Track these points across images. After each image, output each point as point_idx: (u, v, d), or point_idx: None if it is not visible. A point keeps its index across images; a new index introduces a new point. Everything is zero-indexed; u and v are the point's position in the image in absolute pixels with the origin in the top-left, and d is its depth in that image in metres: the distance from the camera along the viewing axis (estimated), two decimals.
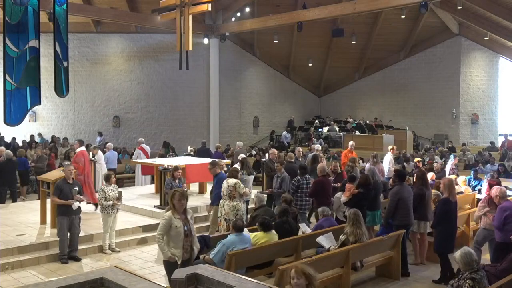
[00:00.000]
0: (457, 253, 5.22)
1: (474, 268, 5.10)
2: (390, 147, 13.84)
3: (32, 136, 20.30)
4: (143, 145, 15.53)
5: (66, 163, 9.65)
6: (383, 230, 8.13)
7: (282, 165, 10.26)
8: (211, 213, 9.22)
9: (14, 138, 18.80)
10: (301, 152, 12.91)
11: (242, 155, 11.93)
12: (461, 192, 10.42)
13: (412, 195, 8.02)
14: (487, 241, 7.71)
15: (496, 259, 6.86)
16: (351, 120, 24.16)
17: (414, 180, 8.84)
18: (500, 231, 6.94)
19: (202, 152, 15.89)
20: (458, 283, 5.18)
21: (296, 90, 27.17)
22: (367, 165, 11.15)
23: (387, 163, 12.69)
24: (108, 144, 16.16)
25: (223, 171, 9.69)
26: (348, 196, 8.58)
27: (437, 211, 7.53)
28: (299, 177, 9.63)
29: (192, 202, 11.16)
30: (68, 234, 8.19)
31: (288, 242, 7.10)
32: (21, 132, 20.31)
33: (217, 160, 10.62)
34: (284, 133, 22.07)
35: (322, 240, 7.05)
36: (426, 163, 14.19)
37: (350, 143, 13.92)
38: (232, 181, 8.55)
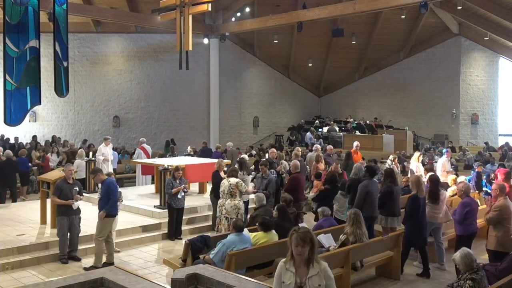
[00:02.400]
0: (457, 255, 5.22)
1: (474, 269, 5.10)
2: (444, 150, 13.49)
3: (34, 137, 20.31)
4: (144, 145, 15.52)
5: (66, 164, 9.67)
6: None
7: (266, 167, 10.00)
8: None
9: (16, 138, 18.80)
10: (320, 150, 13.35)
11: (245, 156, 12.02)
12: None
13: (378, 190, 8.54)
14: (430, 230, 7.95)
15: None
16: (351, 120, 24.15)
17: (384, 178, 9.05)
18: (461, 225, 7.29)
19: (204, 152, 15.95)
20: (458, 283, 5.18)
21: (296, 90, 27.17)
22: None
23: (440, 166, 12.19)
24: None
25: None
26: (316, 192, 9.16)
27: (406, 207, 7.79)
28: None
29: (192, 202, 11.21)
30: (68, 234, 8.19)
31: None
32: (21, 132, 20.32)
33: (218, 159, 10.66)
34: (308, 133, 21.75)
35: (322, 238, 7.05)
36: (426, 163, 14.16)
37: (355, 143, 13.81)
38: (233, 180, 8.60)
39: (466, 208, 7.26)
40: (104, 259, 7.97)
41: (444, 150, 14.09)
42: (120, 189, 9.15)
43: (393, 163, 12.70)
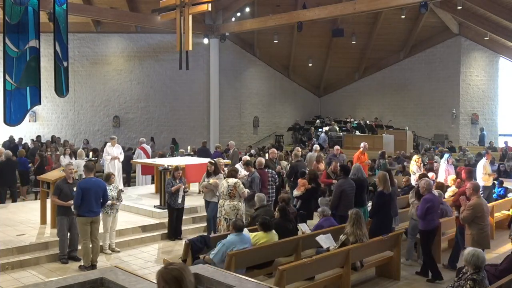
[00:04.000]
0: (466, 251, 5.22)
1: (477, 270, 5.10)
2: (484, 151, 13.06)
3: (38, 137, 20.30)
4: (144, 145, 15.52)
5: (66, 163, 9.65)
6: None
7: (249, 166, 9.94)
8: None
9: (21, 139, 18.79)
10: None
11: (246, 157, 12.06)
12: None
13: (354, 189, 8.78)
14: (417, 230, 8.02)
15: (423, 246, 7.70)
16: (351, 120, 24.14)
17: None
18: (423, 220, 7.55)
19: (201, 152, 15.99)
20: (459, 283, 5.18)
21: (296, 90, 27.17)
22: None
23: (481, 168, 11.62)
24: (107, 144, 16.12)
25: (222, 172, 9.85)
26: (303, 190, 9.42)
27: (373, 202, 8.11)
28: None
29: (192, 202, 11.21)
30: (68, 234, 8.18)
31: (288, 242, 7.10)
32: (21, 132, 20.33)
33: (216, 159, 10.64)
34: (323, 135, 21.56)
35: (321, 239, 7.05)
36: (426, 163, 14.17)
37: (362, 144, 13.46)
38: (232, 180, 8.59)
39: (427, 204, 7.49)
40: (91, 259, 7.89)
41: (484, 152, 13.72)
42: (119, 189, 9.17)
43: (416, 164, 12.30)
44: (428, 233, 7.57)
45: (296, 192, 9.59)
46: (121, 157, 13.20)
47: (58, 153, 15.04)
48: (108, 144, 13.43)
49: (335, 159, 12.53)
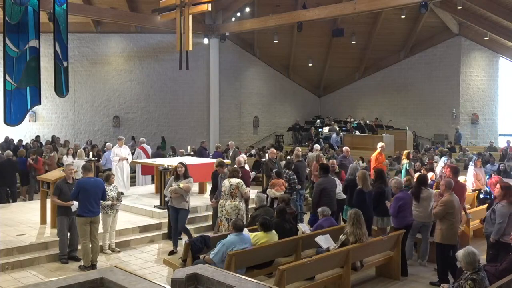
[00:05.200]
0: (460, 252, 5.21)
1: (476, 269, 5.09)
2: (474, 157, 12.47)
3: (38, 137, 20.30)
4: (144, 145, 15.52)
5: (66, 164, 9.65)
6: (313, 216, 9.08)
7: (223, 167, 9.51)
8: None
9: (20, 140, 18.77)
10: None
11: (240, 158, 12.01)
12: None
13: (335, 186, 9.14)
14: (417, 230, 8.22)
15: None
16: (351, 120, 24.14)
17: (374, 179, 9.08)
18: (395, 218, 7.84)
19: (198, 152, 16.03)
20: (459, 283, 5.18)
21: (296, 90, 27.17)
22: (353, 164, 11.34)
23: (471, 177, 11.42)
24: (107, 144, 16.13)
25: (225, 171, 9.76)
26: (284, 189, 9.54)
27: (353, 200, 8.45)
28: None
29: (192, 202, 11.16)
30: (68, 234, 8.18)
31: (288, 242, 7.10)
32: (21, 132, 20.33)
33: (217, 159, 10.65)
34: (334, 135, 21.49)
35: (320, 240, 7.05)
36: (426, 163, 14.17)
37: (380, 144, 12.85)
38: (234, 180, 8.58)
39: (399, 202, 7.79)
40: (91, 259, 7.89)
41: (444, 158, 13.44)
42: (119, 190, 9.17)
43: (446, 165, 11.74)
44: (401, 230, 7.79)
45: (275, 193, 9.34)
46: (130, 158, 12.94)
47: (52, 154, 14.90)
48: (116, 145, 13.14)
49: (345, 161, 12.29)
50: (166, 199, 9.23)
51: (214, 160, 11.30)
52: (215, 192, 9.54)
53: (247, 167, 11.19)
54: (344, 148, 13.39)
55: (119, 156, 12.72)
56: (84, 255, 7.81)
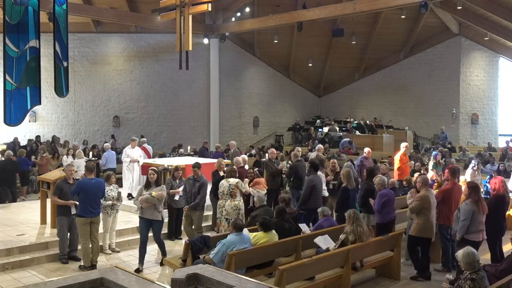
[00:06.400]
0: (460, 252, 5.21)
1: (475, 269, 5.09)
2: (475, 162, 12.21)
3: (38, 137, 20.31)
4: (145, 145, 15.46)
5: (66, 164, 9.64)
6: (299, 216, 9.18)
7: (199, 169, 9.17)
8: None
9: (30, 140, 18.81)
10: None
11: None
12: None
13: (322, 183, 9.47)
14: None
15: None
16: (351, 120, 24.13)
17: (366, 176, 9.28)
18: (379, 214, 8.12)
19: (200, 152, 16.04)
20: (459, 283, 5.18)
21: (296, 90, 27.16)
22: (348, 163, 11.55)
23: (469, 177, 11.25)
24: (105, 144, 16.08)
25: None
26: (265, 188, 9.75)
27: (338, 198, 8.90)
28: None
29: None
30: (68, 234, 8.19)
31: (288, 242, 7.10)
32: (21, 132, 20.31)
33: (217, 159, 10.65)
34: (346, 139, 21.26)
35: (319, 240, 7.05)
36: (426, 163, 14.17)
37: (404, 144, 12.53)
38: (233, 180, 8.59)
39: (383, 199, 8.07)
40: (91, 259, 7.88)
41: (434, 153, 13.35)
42: (119, 190, 9.16)
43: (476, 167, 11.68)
44: (384, 226, 8.09)
45: (260, 192, 9.23)
46: (141, 161, 12.56)
47: (45, 155, 14.87)
48: (128, 146, 12.74)
49: (366, 162, 12.12)
50: (136, 209, 8.69)
51: (214, 160, 11.30)
52: (216, 192, 9.52)
53: (246, 167, 11.18)
54: (366, 149, 12.94)
55: (131, 158, 12.37)
56: (84, 255, 7.81)
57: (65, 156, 14.60)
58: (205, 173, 11.39)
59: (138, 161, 12.39)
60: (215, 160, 11.24)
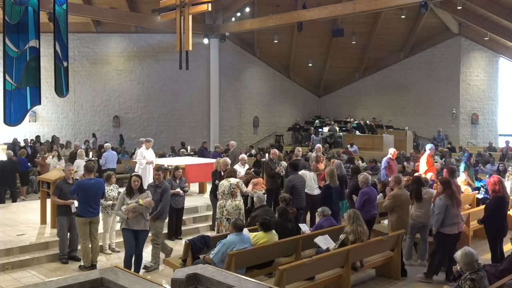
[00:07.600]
0: (458, 253, 5.21)
1: (475, 269, 5.09)
2: (462, 162, 12.31)
3: (38, 137, 20.30)
4: None
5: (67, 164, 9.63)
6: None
7: (164, 172, 8.87)
8: None
9: (26, 140, 18.80)
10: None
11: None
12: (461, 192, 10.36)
13: (304, 183, 9.51)
14: (416, 230, 8.29)
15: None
16: (351, 120, 24.13)
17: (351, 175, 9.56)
18: (361, 211, 7.92)
19: (199, 152, 16.04)
20: (459, 283, 5.18)
21: (296, 90, 27.17)
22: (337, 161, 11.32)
23: (462, 178, 10.89)
24: (106, 144, 16.07)
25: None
26: (263, 189, 9.74)
27: (320, 195, 9.08)
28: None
29: (192, 202, 11.21)
30: (68, 234, 8.19)
31: (288, 242, 7.09)
32: (21, 132, 20.32)
33: (216, 159, 10.65)
34: (355, 147, 21.16)
35: (319, 240, 7.05)
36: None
37: (430, 146, 12.07)
38: (234, 180, 8.61)
39: (364, 197, 8.28)
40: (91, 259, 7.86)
41: (428, 146, 13.16)
42: (119, 190, 9.15)
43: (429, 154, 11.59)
44: (367, 223, 7.97)
45: (253, 191, 9.19)
46: (155, 162, 12.04)
47: (46, 155, 14.59)
48: (143, 146, 12.30)
49: (392, 162, 12.06)
50: (117, 219, 8.16)
51: (214, 160, 11.31)
52: (216, 191, 9.52)
53: (247, 166, 11.18)
54: (391, 150, 12.70)
55: (147, 159, 11.93)
56: (84, 255, 7.81)
57: (50, 157, 14.05)
58: (205, 173, 11.45)
59: (153, 162, 11.93)
60: (214, 160, 11.26)
